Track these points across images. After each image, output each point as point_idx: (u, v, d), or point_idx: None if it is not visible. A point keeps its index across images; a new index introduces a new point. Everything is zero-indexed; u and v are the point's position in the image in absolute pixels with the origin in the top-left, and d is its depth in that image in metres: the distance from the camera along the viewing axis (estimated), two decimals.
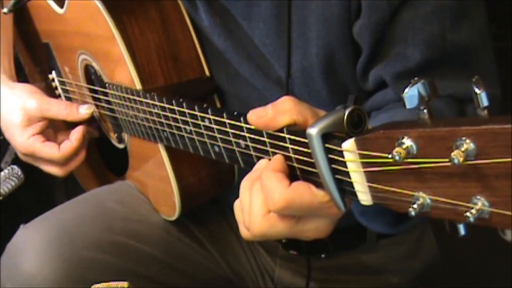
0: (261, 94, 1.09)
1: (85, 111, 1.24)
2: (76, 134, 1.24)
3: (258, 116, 0.79)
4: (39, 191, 1.67)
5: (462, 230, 0.62)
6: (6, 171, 1.24)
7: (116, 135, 1.27)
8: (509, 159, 0.54)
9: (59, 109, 1.23)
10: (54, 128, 1.29)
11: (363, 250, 1.24)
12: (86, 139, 1.27)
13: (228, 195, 1.18)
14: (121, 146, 1.28)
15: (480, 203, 0.57)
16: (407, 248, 1.26)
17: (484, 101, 0.57)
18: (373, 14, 0.94)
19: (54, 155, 1.22)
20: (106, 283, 0.99)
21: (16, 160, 1.50)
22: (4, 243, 1.18)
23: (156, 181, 1.20)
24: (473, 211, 0.57)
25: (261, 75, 1.08)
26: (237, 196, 0.81)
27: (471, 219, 0.57)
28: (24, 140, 1.22)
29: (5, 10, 1.21)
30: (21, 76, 1.43)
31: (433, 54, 0.94)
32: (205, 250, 1.26)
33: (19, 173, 1.24)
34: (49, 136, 1.25)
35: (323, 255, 1.23)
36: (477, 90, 0.57)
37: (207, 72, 1.16)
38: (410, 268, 1.27)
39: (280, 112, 0.77)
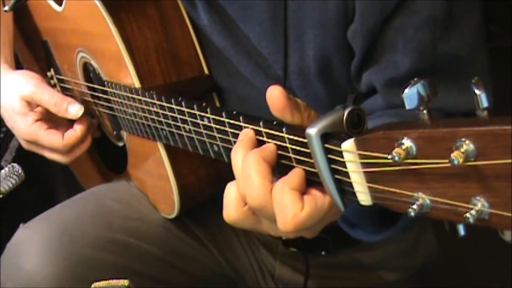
0: (260, 92, 1.09)
1: (74, 111, 1.21)
2: (81, 124, 1.22)
3: (284, 96, 0.74)
4: (40, 189, 1.67)
5: (461, 230, 0.62)
6: (6, 169, 1.23)
7: (115, 133, 1.27)
8: (509, 160, 0.54)
9: (50, 101, 1.21)
10: (54, 119, 1.28)
11: (363, 247, 1.24)
12: (91, 128, 1.26)
13: None
14: (120, 144, 1.28)
15: (480, 204, 0.57)
16: (407, 245, 1.27)
17: (484, 102, 0.57)
18: (366, 20, 0.94)
19: (58, 143, 1.21)
20: (106, 281, 0.99)
21: (17, 158, 1.50)
22: (4, 241, 1.18)
23: (155, 179, 1.20)
24: (473, 212, 0.57)
25: (260, 73, 1.08)
26: None
27: (471, 220, 0.57)
28: (27, 127, 1.21)
29: (6, 8, 1.21)
30: None
31: (424, 62, 0.94)
32: (205, 248, 1.26)
33: (20, 171, 1.24)
34: (52, 125, 1.24)
35: (323, 253, 1.24)
36: (477, 91, 0.57)
37: (206, 70, 1.15)
38: (409, 265, 1.28)
39: (297, 106, 0.75)
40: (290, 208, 0.71)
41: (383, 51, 0.96)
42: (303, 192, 0.73)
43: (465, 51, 0.96)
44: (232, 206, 0.77)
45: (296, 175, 0.74)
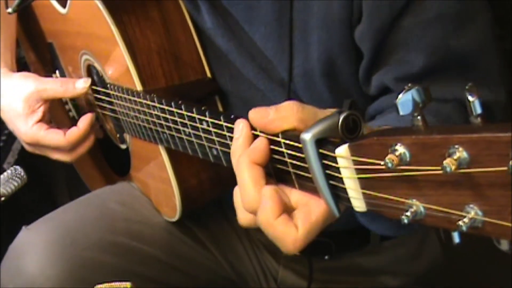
0: (264, 95, 1.09)
1: (82, 85, 1.22)
2: (84, 121, 1.22)
3: (261, 116, 0.75)
4: (42, 192, 1.68)
5: (456, 238, 0.61)
6: (9, 171, 1.24)
7: (118, 135, 1.27)
8: (502, 168, 0.53)
9: (55, 87, 1.22)
10: (58, 122, 1.27)
11: (366, 251, 1.23)
12: (94, 126, 1.25)
13: (229, 196, 1.17)
14: (123, 146, 1.28)
15: (473, 212, 0.56)
16: (410, 250, 1.26)
17: (477, 108, 0.56)
18: (374, 20, 0.94)
19: (59, 141, 1.20)
20: (109, 284, 0.99)
21: (19, 161, 1.51)
22: (6, 244, 1.18)
23: (157, 182, 1.19)
24: (466, 220, 0.56)
25: (264, 76, 1.07)
26: None
27: (464, 228, 0.56)
28: (28, 129, 1.21)
29: (9, 10, 1.21)
30: None
31: (437, 59, 0.93)
32: (207, 251, 1.26)
33: (22, 173, 1.24)
34: (53, 125, 1.24)
35: (326, 257, 1.23)
36: (470, 98, 0.56)
37: (208, 73, 1.15)
38: (413, 270, 1.27)
39: (281, 117, 0.74)
40: (286, 236, 0.71)
41: (393, 51, 0.95)
42: (289, 207, 0.73)
43: (478, 46, 0.95)
44: (240, 211, 0.77)
45: (273, 202, 0.72)
